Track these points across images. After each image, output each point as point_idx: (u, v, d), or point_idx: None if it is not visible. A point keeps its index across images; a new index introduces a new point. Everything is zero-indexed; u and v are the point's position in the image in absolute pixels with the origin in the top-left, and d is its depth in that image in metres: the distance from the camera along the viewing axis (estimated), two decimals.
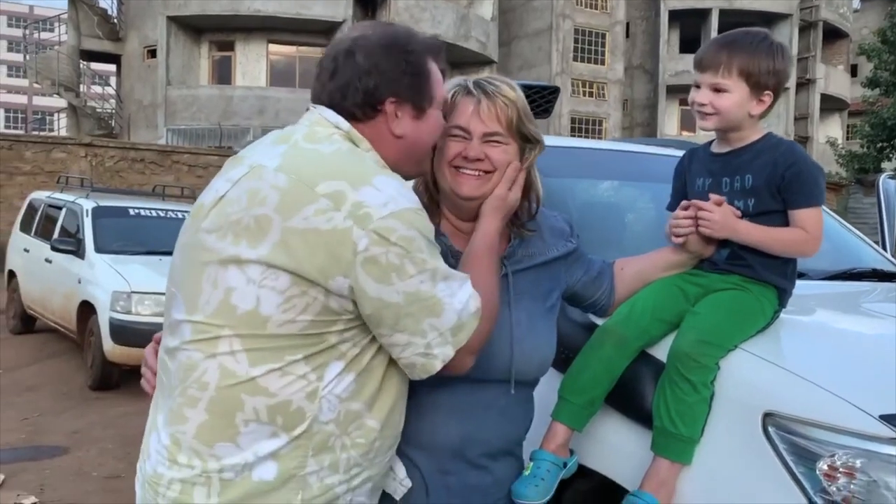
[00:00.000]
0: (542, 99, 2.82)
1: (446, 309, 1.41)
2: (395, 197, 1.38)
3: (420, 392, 1.61)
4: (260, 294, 1.34)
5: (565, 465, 1.75)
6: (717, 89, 1.78)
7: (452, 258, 1.62)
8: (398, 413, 1.53)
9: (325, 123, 1.49)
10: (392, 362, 1.47)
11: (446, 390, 1.61)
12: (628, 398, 1.82)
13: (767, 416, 1.56)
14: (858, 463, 1.45)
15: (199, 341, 1.39)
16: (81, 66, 25.50)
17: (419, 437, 1.63)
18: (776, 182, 1.76)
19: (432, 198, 1.72)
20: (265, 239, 1.33)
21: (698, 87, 1.82)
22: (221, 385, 1.37)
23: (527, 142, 1.68)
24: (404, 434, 1.60)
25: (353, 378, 1.42)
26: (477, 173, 1.63)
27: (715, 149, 1.91)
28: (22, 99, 62.86)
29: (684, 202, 1.84)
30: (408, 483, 1.62)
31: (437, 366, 1.44)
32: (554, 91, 2.81)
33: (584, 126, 33.14)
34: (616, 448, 1.85)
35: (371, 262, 1.34)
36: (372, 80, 1.48)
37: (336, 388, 1.40)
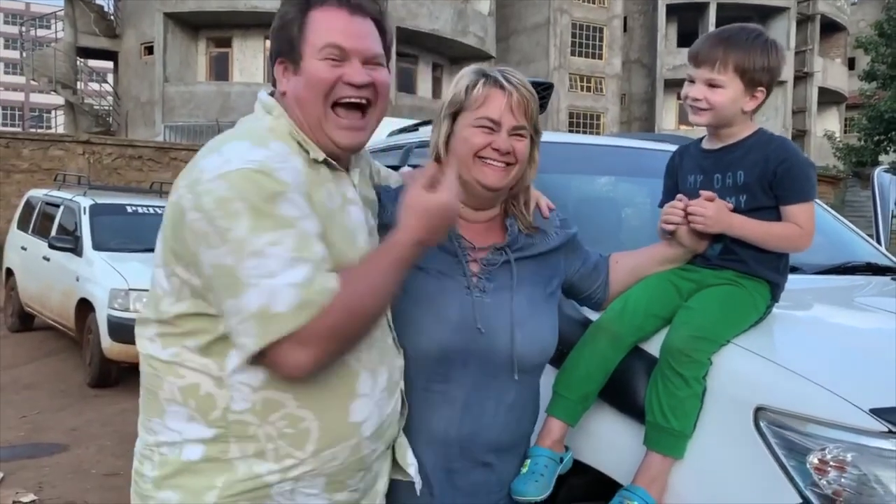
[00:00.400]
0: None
1: (248, 291, 1.25)
2: (232, 159, 1.31)
3: (430, 387, 1.63)
4: (156, 273, 1.43)
5: (561, 460, 1.76)
6: (712, 85, 1.79)
7: (456, 242, 1.67)
8: (344, 407, 1.44)
9: (258, 102, 1.55)
10: None
11: (456, 385, 1.64)
12: (622, 393, 1.82)
13: (759, 411, 1.57)
14: (849, 457, 1.45)
15: (139, 325, 1.49)
16: (78, 63, 25.41)
17: (428, 433, 1.65)
18: (768, 178, 1.77)
19: None
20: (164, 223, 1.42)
21: (692, 81, 1.83)
22: (150, 364, 1.46)
23: (535, 134, 1.72)
24: (412, 429, 1.62)
25: (264, 368, 1.36)
26: (503, 164, 1.66)
27: (706, 145, 1.91)
28: (19, 96, 62.69)
29: (679, 195, 1.85)
30: (419, 480, 1.63)
31: (244, 356, 1.32)
32: (548, 87, 2.80)
33: (581, 121, 33.09)
34: (610, 443, 1.86)
35: (188, 229, 1.32)
36: (270, 49, 1.54)
37: (243, 377, 1.37)
